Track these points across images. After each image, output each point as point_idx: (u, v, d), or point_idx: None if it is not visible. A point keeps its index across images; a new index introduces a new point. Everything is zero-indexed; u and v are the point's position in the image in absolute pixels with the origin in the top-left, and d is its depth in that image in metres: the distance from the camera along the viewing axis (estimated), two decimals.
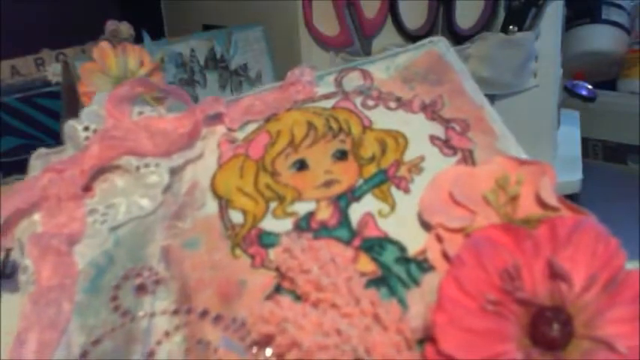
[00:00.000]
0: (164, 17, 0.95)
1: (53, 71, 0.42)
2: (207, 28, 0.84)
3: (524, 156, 0.41)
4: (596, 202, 0.37)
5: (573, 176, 0.63)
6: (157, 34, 0.79)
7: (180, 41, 0.70)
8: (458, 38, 0.64)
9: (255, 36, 0.71)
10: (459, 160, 0.41)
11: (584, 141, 0.69)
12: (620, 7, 0.75)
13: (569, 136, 0.69)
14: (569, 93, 0.74)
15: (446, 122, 0.44)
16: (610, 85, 0.76)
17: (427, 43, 0.50)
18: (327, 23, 0.68)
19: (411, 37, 0.67)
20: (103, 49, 0.63)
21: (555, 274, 0.33)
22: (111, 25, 0.65)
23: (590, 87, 0.73)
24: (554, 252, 0.33)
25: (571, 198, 0.36)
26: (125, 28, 0.66)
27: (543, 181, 0.37)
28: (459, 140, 0.42)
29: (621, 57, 0.75)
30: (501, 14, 0.65)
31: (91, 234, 0.41)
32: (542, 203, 0.37)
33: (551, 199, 0.36)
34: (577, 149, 0.69)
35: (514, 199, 0.37)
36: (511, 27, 0.64)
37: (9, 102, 0.43)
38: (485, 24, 0.64)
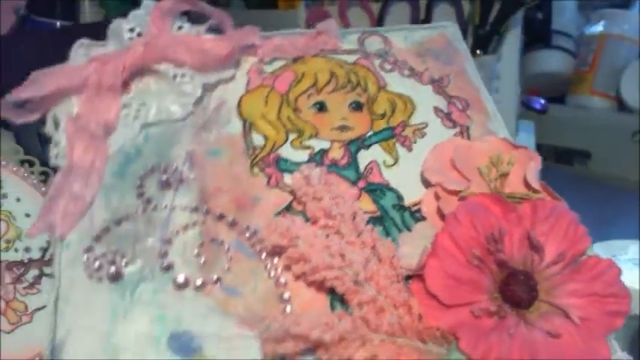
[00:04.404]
0: None
1: None
2: None
3: (508, 136, 0.42)
4: None
5: None
6: None
7: None
8: None
9: None
10: (456, 134, 0.41)
11: (538, 146, 0.72)
12: (567, 35, 0.78)
13: (526, 142, 0.71)
14: (526, 106, 0.76)
15: (449, 98, 0.43)
16: (559, 99, 0.79)
17: (441, 26, 0.49)
18: None
19: None
20: None
21: (531, 245, 0.34)
22: None
23: (543, 101, 0.75)
24: (533, 227, 0.34)
25: None
26: None
27: (530, 165, 0.38)
28: (459, 116, 0.42)
29: (569, 77, 0.77)
30: (470, 40, 0.67)
31: (124, 125, 0.39)
32: (526, 184, 0.37)
33: (535, 182, 0.37)
34: None
35: (504, 176, 0.37)
36: (478, 51, 0.65)
37: None
38: None
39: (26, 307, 0.36)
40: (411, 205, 0.37)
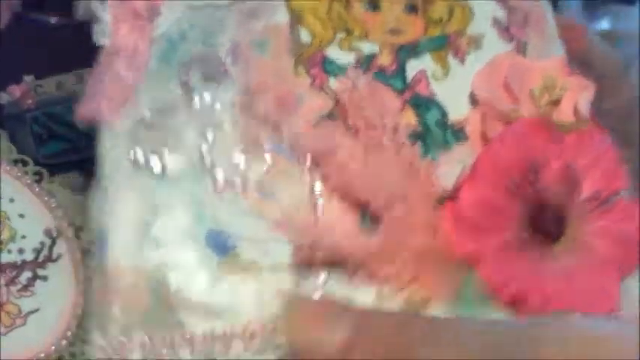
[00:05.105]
0: None
1: None
2: None
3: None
4: None
5: None
6: None
7: None
8: None
9: None
10: (512, 49, 0.39)
11: None
12: None
13: None
14: None
15: (509, 9, 0.40)
16: None
17: None
18: None
19: None
20: None
21: (569, 178, 0.33)
22: None
23: None
24: (575, 159, 0.33)
25: None
26: None
27: (584, 95, 0.36)
28: (517, 30, 0.40)
29: None
30: None
31: (167, 8, 0.37)
32: (577, 114, 0.36)
33: (585, 112, 0.36)
34: None
35: (555, 103, 0.36)
36: None
37: (55, 111, 0.37)
38: None
39: (20, 310, 0.35)
40: (455, 123, 0.36)
